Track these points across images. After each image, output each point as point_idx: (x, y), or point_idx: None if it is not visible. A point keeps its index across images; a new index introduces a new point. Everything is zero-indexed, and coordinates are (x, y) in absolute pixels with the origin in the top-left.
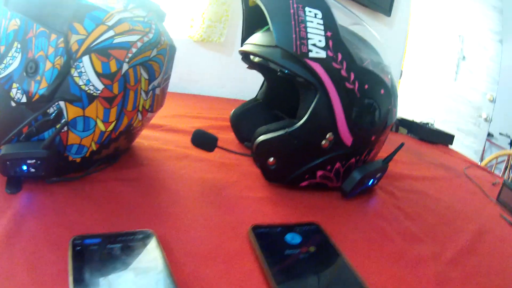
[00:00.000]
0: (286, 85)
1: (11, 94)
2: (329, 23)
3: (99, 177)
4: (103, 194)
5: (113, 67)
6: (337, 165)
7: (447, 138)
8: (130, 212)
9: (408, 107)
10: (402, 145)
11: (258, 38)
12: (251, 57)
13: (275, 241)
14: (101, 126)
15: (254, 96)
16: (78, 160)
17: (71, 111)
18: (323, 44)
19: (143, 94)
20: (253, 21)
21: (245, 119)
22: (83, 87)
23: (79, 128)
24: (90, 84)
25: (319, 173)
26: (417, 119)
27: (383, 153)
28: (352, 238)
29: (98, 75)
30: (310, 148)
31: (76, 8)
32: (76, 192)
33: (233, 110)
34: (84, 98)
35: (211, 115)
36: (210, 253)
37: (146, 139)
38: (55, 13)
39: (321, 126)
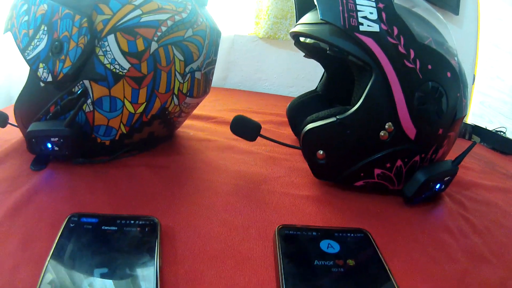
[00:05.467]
0: (346, 75)
1: (38, 73)
2: None
3: (128, 162)
4: (126, 178)
5: (140, 46)
6: (399, 162)
7: None
8: (147, 199)
9: (480, 114)
10: (474, 143)
11: (306, 17)
12: (302, 39)
13: (306, 247)
14: (129, 107)
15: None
16: (107, 142)
17: (96, 91)
18: (375, 16)
19: (179, 77)
20: (304, 2)
21: (302, 111)
22: (108, 65)
23: (105, 108)
24: (116, 63)
25: (377, 171)
26: (490, 127)
27: (450, 156)
28: (407, 253)
29: (124, 53)
30: (366, 140)
31: None
32: (97, 175)
33: (290, 102)
34: (110, 77)
35: (272, 111)
36: (221, 253)
37: (193, 128)
38: None
39: (378, 114)
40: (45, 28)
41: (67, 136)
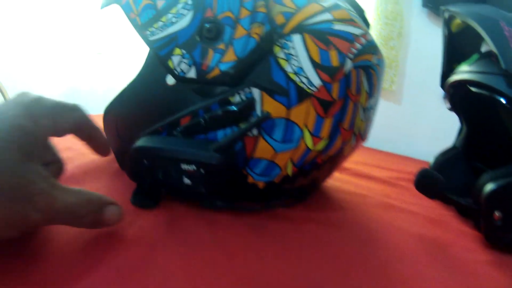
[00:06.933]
0: (489, 132)
1: (170, 63)
2: None
3: (284, 214)
4: (298, 238)
5: (335, 60)
6: None
7: None
8: (335, 265)
9: None
10: None
11: (475, 66)
12: (467, 88)
13: None
14: (308, 140)
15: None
16: (261, 184)
17: (269, 107)
18: None
19: (361, 113)
20: (456, 51)
21: (445, 170)
22: (291, 75)
23: (276, 135)
24: (303, 74)
25: None
26: None
27: None
28: None
29: (315, 65)
30: None
31: None
32: (251, 228)
33: (434, 158)
34: (293, 92)
35: (391, 167)
36: None
37: (331, 179)
38: None
39: None
40: (189, 2)
41: (215, 166)
